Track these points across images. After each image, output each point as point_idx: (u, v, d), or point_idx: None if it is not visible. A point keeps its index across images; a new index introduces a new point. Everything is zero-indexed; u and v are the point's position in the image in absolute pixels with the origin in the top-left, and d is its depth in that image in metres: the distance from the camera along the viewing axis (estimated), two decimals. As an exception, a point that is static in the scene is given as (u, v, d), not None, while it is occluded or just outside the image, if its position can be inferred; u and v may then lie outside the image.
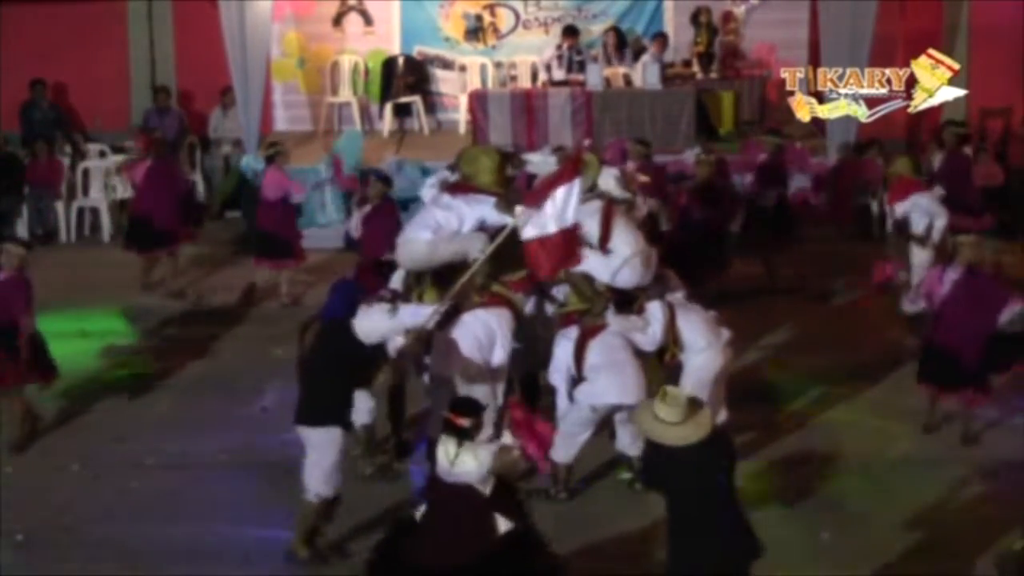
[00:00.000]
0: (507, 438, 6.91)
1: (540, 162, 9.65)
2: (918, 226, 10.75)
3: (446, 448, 6.55)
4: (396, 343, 8.17)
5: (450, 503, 6.59)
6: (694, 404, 6.31)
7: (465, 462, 6.50)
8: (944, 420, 9.56)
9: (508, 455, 6.70)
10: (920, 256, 10.68)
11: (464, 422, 6.61)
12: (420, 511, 6.73)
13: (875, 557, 7.78)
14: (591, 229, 8.83)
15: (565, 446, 8.60)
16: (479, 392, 8.36)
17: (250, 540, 8.07)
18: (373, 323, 7.62)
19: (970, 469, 8.94)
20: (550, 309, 9.08)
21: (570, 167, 8.48)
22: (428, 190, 10.08)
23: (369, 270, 9.74)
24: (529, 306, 9.09)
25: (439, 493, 6.66)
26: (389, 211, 11.53)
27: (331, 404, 7.67)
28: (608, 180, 9.30)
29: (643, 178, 10.73)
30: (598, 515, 8.46)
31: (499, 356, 8.49)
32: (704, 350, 8.68)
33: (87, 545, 8.06)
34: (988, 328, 9.18)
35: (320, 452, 7.66)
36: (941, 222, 10.80)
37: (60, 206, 15.30)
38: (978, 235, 9.70)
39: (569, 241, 8.39)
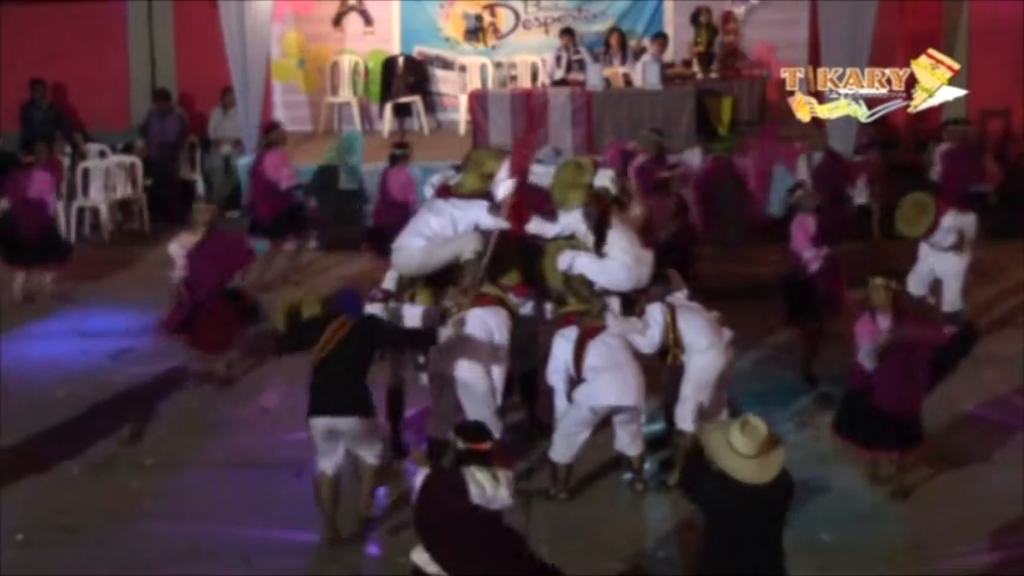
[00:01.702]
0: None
1: (543, 172, 9.68)
2: (947, 240, 10.76)
3: (477, 479, 6.37)
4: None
5: (476, 530, 6.41)
6: (772, 440, 5.96)
7: (500, 493, 6.39)
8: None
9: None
10: (959, 264, 10.81)
11: (485, 446, 6.49)
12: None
13: (875, 557, 7.78)
14: (586, 232, 8.88)
15: (564, 446, 8.61)
16: (478, 391, 8.38)
17: (250, 540, 8.06)
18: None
19: (971, 468, 8.94)
20: (549, 309, 9.11)
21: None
22: (429, 189, 10.09)
23: None
24: (528, 307, 9.12)
25: (463, 522, 6.40)
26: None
27: (368, 394, 7.94)
28: (603, 181, 9.32)
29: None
30: (598, 515, 8.46)
31: (497, 355, 8.50)
32: (706, 351, 8.69)
33: (87, 545, 8.06)
34: (922, 385, 8.36)
35: (372, 436, 7.97)
36: (971, 227, 11.10)
37: (60, 206, 15.29)
38: (886, 278, 8.48)
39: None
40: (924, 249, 10.98)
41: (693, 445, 6.37)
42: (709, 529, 6.07)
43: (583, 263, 8.85)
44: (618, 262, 8.81)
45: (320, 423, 7.83)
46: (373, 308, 8.76)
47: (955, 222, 10.81)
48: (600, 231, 8.91)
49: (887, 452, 8.50)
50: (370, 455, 8.05)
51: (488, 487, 6.34)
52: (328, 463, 7.95)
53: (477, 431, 6.62)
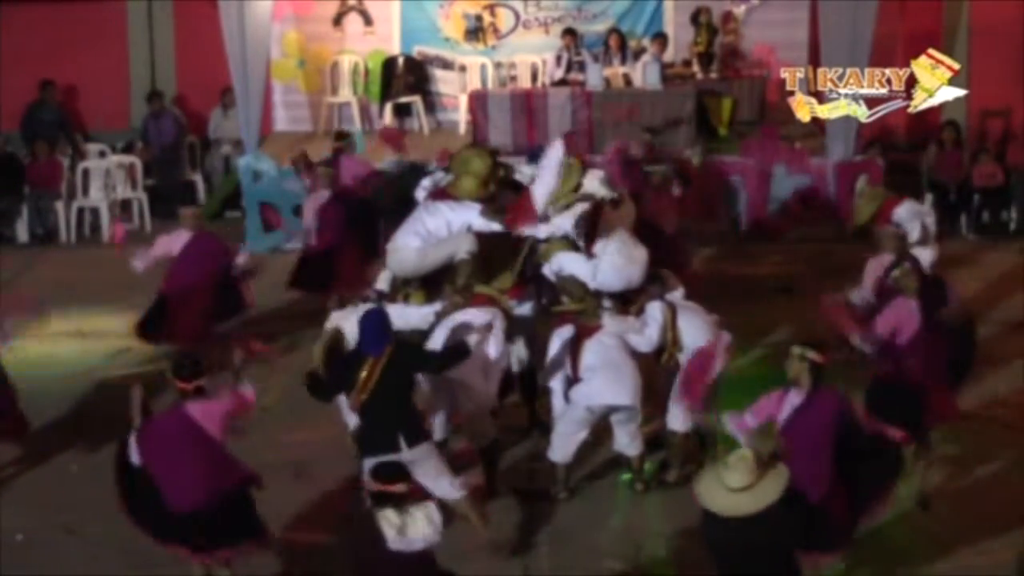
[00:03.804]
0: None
1: (531, 173, 9.72)
2: (913, 233, 10.77)
3: (388, 519, 6.10)
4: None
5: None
6: (770, 467, 5.77)
7: (419, 528, 6.10)
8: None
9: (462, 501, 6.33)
10: (926, 256, 10.74)
11: (399, 487, 6.19)
12: None
13: (876, 556, 7.78)
14: (578, 232, 8.89)
15: (562, 446, 8.61)
16: (473, 391, 8.37)
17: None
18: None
19: (972, 468, 8.94)
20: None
21: None
22: (421, 192, 10.11)
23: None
24: (527, 308, 9.12)
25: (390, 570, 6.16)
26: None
27: (419, 420, 7.86)
28: (593, 182, 9.34)
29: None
30: (598, 515, 8.46)
31: (493, 354, 8.49)
32: (704, 351, 8.68)
33: (87, 545, 8.06)
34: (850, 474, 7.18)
35: (435, 459, 7.74)
36: (930, 218, 10.98)
37: (60, 206, 15.31)
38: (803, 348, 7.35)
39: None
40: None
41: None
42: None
43: (574, 264, 8.85)
44: (608, 262, 8.81)
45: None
46: (365, 307, 8.76)
47: (912, 211, 10.83)
48: (591, 231, 8.91)
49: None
50: (447, 490, 7.68)
51: (407, 528, 6.08)
52: None
53: (391, 472, 6.33)
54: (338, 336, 8.40)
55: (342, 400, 8.95)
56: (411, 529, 6.08)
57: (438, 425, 8.49)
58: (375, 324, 7.76)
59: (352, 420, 8.91)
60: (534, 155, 11.54)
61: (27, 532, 8.25)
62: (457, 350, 7.98)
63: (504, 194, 9.40)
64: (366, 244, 11.69)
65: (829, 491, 7.00)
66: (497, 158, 9.70)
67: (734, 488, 5.81)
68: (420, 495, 6.34)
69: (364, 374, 7.60)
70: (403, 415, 7.68)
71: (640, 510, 8.62)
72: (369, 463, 7.38)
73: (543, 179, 8.89)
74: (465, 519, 7.74)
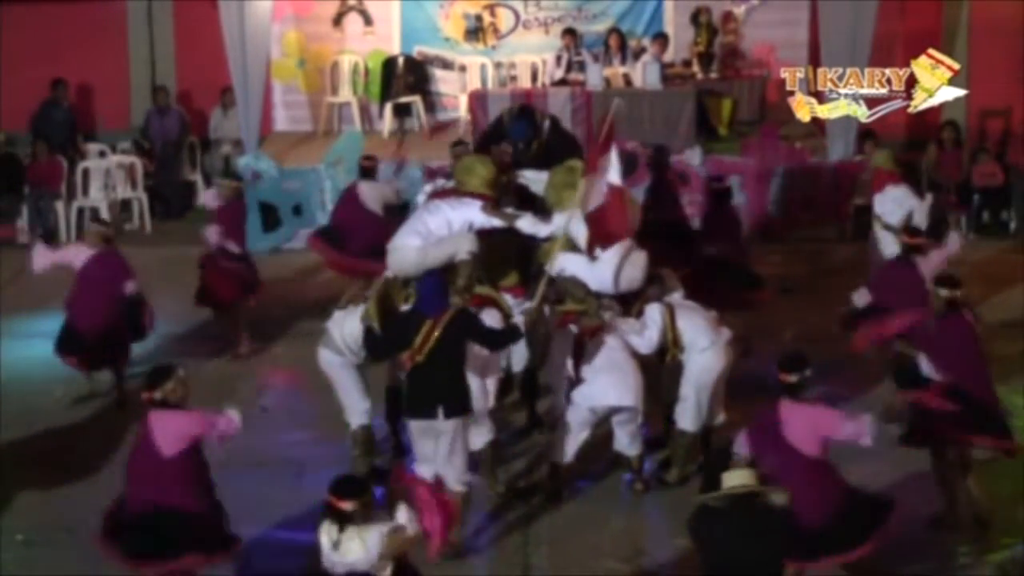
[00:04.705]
0: (402, 515, 6.04)
1: (533, 177, 9.73)
2: (893, 217, 10.81)
3: (328, 533, 5.86)
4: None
5: None
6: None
7: (351, 548, 5.81)
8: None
9: (401, 535, 5.95)
10: (890, 248, 10.74)
11: (347, 505, 5.86)
12: None
13: (875, 555, 7.78)
14: (579, 234, 8.89)
15: (563, 446, 8.61)
16: (476, 390, 8.36)
17: (250, 540, 8.04)
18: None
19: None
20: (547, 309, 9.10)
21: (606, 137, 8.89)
22: (422, 196, 10.12)
23: None
24: (526, 308, 9.11)
25: None
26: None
27: (467, 391, 7.83)
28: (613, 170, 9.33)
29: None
30: (598, 515, 8.46)
31: (490, 355, 8.48)
32: (706, 350, 8.69)
33: (87, 545, 8.05)
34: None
35: (462, 438, 7.76)
36: (920, 215, 11.00)
37: (60, 206, 15.31)
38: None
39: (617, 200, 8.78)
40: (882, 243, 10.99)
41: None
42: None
43: (574, 265, 8.85)
44: (608, 264, 8.81)
45: (420, 427, 7.73)
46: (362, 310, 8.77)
47: (899, 195, 10.83)
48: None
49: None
50: (457, 479, 7.76)
51: (333, 542, 5.83)
52: (427, 470, 7.77)
53: (346, 486, 5.99)
54: (388, 290, 8.45)
55: (344, 400, 8.98)
56: (343, 548, 5.83)
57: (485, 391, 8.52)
58: (434, 286, 7.85)
59: (355, 420, 8.93)
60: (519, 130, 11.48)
61: (27, 532, 8.25)
62: (511, 331, 8.10)
63: (506, 198, 9.44)
64: None
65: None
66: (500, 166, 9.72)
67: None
68: (369, 517, 5.94)
69: (422, 336, 7.61)
70: (450, 382, 7.70)
71: (640, 510, 8.62)
72: (418, 422, 7.59)
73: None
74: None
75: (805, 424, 6.99)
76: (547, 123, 11.20)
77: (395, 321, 8.18)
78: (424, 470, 7.77)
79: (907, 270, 9.68)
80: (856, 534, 7.02)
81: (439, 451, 7.71)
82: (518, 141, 10.99)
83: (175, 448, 6.97)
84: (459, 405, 7.71)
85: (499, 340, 8.17)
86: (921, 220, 10.99)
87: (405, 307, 8.76)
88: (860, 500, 7.15)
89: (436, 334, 7.62)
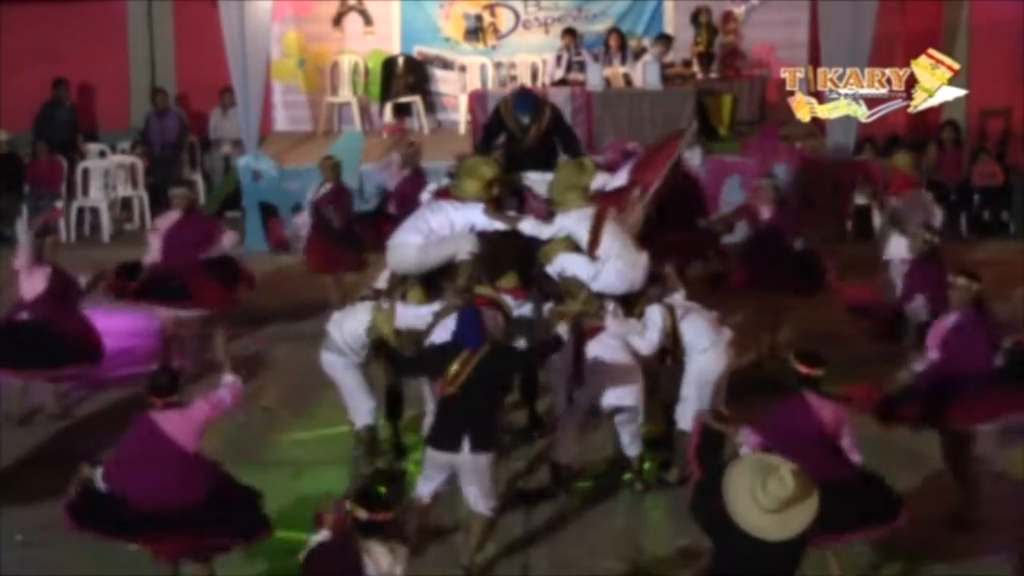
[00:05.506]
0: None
1: (538, 179, 9.72)
2: (911, 221, 10.82)
3: (375, 554, 5.79)
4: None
5: None
6: (801, 492, 5.38)
7: (396, 570, 5.83)
8: None
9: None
10: (900, 248, 10.75)
11: (385, 516, 5.89)
12: None
13: (876, 555, 7.78)
14: (581, 234, 8.89)
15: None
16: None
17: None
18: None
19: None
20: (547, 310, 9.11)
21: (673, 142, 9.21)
22: (426, 195, 10.12)
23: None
24: (527, 308, 9.12)
25: None
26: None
27: (496, 428, 7.75)
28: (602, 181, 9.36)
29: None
30: (598, 515, 8.46)
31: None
32: (707, 350, 8.70)
33: (87, 545, 8.05)
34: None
35: (487, 474, 7.59)
36: (937, 220, 11.00)
37: (60, 206, 15.30)
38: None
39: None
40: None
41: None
42: (715, 560, 5.81)
43: (576, 266, 8.85)
44: (611, 265, 8.81)
45: (441, 458, 7.60)
46: (363, 306, 8.77)
47: (928, 205, 11.02)
48: (595, 234, 8.91)
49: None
50: (484, 504, 7.63)
51: (385, 564, 5.80)
52: (427, 488, 7.76)
53: (380, 500, 6.05)
54: (392, 310, 8.48)
55: (349, 401, 8.97)
56: (389, 566, 5.81)
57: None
58: (473, 320, 7.70)
59: (360, 419, 8.93)
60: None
61: (27, 532, 8.25)
62: (553, 342, 7.93)
63: (508, 200, 9.44)
64: None
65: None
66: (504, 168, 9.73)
67: (768, 509, 5.39)
68: (399, 533, 6.04)
69: (456, 367, 7.50)
70: (481, 417, 7.54)
71: (640, 510, 8.62)
72: (440, 455, 7.53)
73: None
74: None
75: (835, 417, 7.20)
76: (549, 110, 11.16)
77: (431, 350, 8.08)
78: (425, 489, 7.75)
79: (932, 265, 9.74)
80: (886, 508, 7.25)
81: (461, 479, 7.61)
82: (522, 116, 10.94)
83: (197, 441, 7.12)
84: (485, 441, 7.52)
85: (542, 356, 8.07)
86: (937, 223, 11.05)
87: (403, 303, 8.76)
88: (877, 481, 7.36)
89: (471, 367, 7.49)
